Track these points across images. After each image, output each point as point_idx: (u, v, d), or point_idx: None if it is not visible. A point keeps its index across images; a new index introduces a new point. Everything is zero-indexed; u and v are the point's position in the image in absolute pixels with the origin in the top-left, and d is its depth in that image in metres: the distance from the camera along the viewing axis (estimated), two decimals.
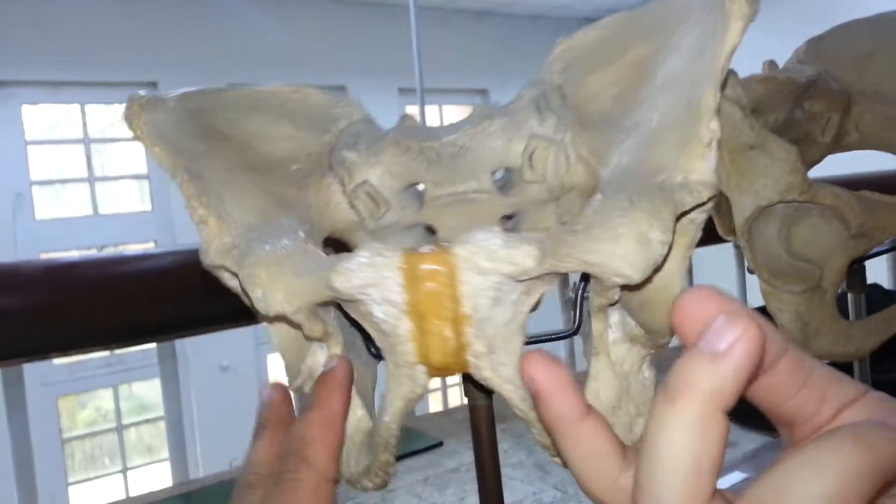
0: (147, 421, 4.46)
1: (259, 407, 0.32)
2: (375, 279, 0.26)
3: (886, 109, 0.59)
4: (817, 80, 0.59)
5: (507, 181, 0.35)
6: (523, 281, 0.26)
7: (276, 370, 4.48)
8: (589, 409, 0.22)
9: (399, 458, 0.30)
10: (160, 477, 4.27)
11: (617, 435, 0.22)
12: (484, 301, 0.26)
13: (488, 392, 0.33)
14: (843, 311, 0.55)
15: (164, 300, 0.87)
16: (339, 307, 0.30)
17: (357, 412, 0.31)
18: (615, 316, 0.31)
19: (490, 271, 0.26)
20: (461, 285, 0.26)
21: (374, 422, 0.30)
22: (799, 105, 0.60)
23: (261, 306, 0.28)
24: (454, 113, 5.36)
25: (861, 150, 0.62)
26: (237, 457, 3.98)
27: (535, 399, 0.21)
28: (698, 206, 0.27)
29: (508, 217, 0.36)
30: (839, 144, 0.62)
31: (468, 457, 0.93)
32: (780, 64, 0.63)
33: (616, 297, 0.28)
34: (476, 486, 0.89)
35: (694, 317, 0.19)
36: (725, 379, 0.18)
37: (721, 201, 0.52)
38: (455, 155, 0.33)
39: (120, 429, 4.31)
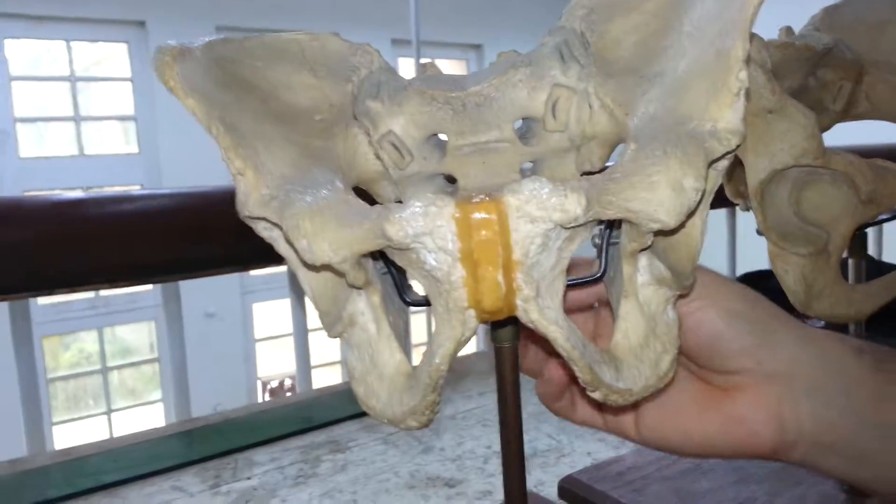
0: (132, 364, 4.47)
1: None
2: (429, 228, 0.26)
3: None
4: (832, 49, 0.59)
5: (528, 130, 0.35)
6: (569, 228, 0.28)
7: (261, 319, 4.50)
8: None
9: None
10: (145, 419, 4.31)
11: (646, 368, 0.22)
12: (533, 248, 0.27)
13: (514, 336, 0.34)
14: (843, 277, 0.56)
15: (169, 241, 0.87)
16: (374, 256, 0.31)
17: (396, 356, 0.32)
18: (643, 260, 0.32)
19: (540, 219, 0.26)
20: (512, 233, 0.27)
21: (421, 364, 0.30)
22: (813, 73, 0.60)
23: (307, 256, 0.28)
24: (447, 68, 5.28)
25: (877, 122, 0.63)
26: (220, 402, 4.02)
27: None
28: (727, 153, 0.28)
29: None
30: (849, 113, 0.63)
31: (463, 405, 0.96)
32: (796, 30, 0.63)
33: (649, 243, 0.30)
34: (471, 433, 0.92)
35: None
36: None
37: (730, 165, 0.53)
38: (480, 105, 0.33)
39: (105, 371, 4.33)
